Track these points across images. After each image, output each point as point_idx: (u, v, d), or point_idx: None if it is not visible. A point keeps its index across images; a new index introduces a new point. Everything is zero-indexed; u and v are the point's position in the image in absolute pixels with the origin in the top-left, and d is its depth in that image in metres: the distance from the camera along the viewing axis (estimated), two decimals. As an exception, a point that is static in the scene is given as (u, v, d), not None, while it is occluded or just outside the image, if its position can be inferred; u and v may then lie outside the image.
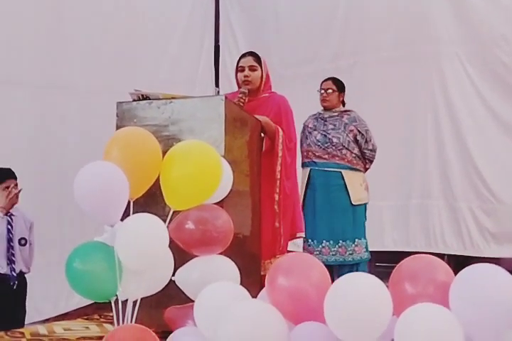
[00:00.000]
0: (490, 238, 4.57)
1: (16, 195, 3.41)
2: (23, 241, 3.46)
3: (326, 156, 3.83)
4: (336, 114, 3.94)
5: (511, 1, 4.58)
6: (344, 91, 3.99)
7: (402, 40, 4.91)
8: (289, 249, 3.42)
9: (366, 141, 3.86)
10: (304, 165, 3.95)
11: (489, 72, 4.63)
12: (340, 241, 3.72)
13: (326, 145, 3.83)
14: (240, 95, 3.30)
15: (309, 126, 4.01)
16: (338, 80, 4.00)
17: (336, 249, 3.72)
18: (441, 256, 4.42)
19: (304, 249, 3.86)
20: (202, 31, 5.52)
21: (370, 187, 3.96)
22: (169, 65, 4.97)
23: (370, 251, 3.97)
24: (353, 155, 3.83)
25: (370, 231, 3.95)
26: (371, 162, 3.94)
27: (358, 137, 3.85)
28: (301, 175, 3.89)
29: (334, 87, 3.95)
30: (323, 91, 3.97)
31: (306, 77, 4.90)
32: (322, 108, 4.04)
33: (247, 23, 5.72)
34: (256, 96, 3.45)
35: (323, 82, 4.02)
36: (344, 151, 3.81)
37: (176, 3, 5.15)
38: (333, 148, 3.81)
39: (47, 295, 3.68)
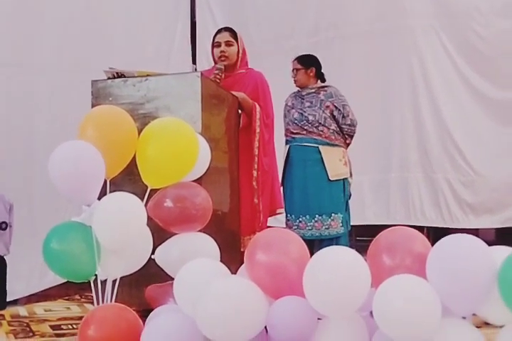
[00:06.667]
0: (468, 209, 4.60)
1: None
2: (3, 225, 3.42)
3: (304, 132, 3.81)
4: (313, 90, 3.90)
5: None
6: (314, 66, 3.89)
7: (379, 14, 4.87)
8: (271, 224, 3.42)
9: (343, 116, 3.82)
10: (285, 142, 3.93)
11: (464, 43, 4.61)
12: (317, 216, 3.72)
13: (301, 122, 3.80)
14: (217, 71, 3.27)
15: (288, 104, 3.98)
16: (304, 57, 3.93)
17: (312, 223, 3.72)
18: (421, 228, 4.47)
19: (286, 224, 3.87)
20: (176, 7, 5.42)
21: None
22: (144, 42, 4.85)
23: (352, 225, 3.99)
24: (331, 131, 3.79)
25: (351, 206, 3.95)
26: (351, 137, 3.90)
27: (335, 113, 3.81)
28: (283, 152, 3.89)
29: (299, 66, 3.90)
30: (292, 73, 3.94)
31: (285, 53, 4.82)
32: None
33: (223, -2, 5.65)
34: (232, 72, 3.42)
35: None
36: (321, 128, 3.78)
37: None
38: (309, 125, 3.78)
39: (19, 275, 3.60)
